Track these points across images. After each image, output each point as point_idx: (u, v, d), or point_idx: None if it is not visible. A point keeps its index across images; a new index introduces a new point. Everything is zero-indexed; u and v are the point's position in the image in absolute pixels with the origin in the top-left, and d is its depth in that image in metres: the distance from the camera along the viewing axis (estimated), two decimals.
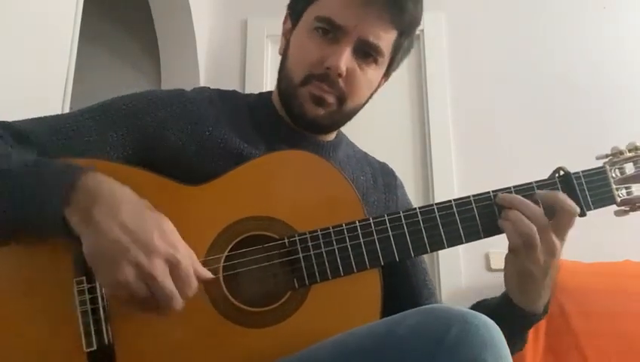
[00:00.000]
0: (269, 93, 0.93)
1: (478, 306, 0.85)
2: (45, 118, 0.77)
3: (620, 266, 1.79)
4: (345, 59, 0.78)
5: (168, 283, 0.59)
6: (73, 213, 0.61)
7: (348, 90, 0.81)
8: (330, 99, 0.81)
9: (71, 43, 1.21)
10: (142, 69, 2.54)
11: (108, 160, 0.75)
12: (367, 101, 0.89)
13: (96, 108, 0.80)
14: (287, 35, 0.88)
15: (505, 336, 0.58)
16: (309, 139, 0.88)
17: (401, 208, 0.95)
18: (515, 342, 0.79)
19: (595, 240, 1.74)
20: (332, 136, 0.93)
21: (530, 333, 1.61)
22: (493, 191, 0.78)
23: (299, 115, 0.83)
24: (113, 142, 0.77)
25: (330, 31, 0.79)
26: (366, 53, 0.81)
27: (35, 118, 0.77)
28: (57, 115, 0.80)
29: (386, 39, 0.81)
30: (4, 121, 0.74)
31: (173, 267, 0.60)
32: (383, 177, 0.97)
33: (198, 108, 0.83)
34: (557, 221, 0.73)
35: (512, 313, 0.77)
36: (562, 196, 0.74)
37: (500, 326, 0.58)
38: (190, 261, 0.62)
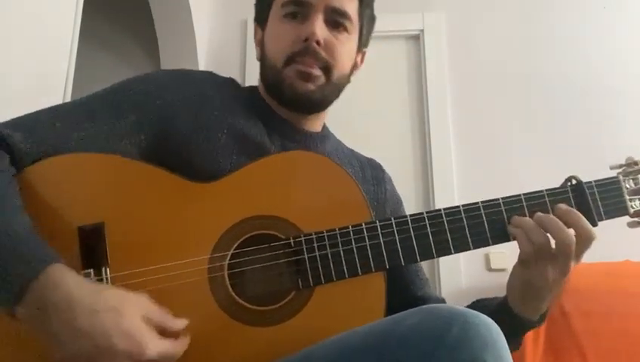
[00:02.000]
0: (256, 87, 0.95)
1: (476, 306, 0.85)
2: (53, 109, 0.76)
3: (620, 266, 1.79)
4: (319, 28, 0.82)
5: None
6: (26, 318, 0.58)
7: (330, 58, 0.84)
8: (317, 72, 0.83)
9: (71, 43, 1.21)
10: (142, 68, 2.54)
11: (120, 149, 0.75)
12: (350, 74, 0.91)
13: (106, 95, 0.79)
14: (260, 41, 0.91)
15: None
16: (298, 130, 0.89)
17: (390, 201, 0.96)
18: (509, 345, 0.79)
19: (595, 240, 1.74)
20: (319, 128, 0.94)
21: (530, 333, 1.62)
22: (502, 198, 0.77)
23: (291, 96, 0.84)
24: (125, 130, 0.76)
25: (299, 12, 0.83)
26: (336, 22, 0.85)
27: (45, 110, 0.76)
28: (66, 105, 0.79)
29: (350, 6, 0.85)
30: (16, 119, 0.73)
31: (144, 360, 0.57)
32: (371, 170, 0.98)
33: (205, 91, 0.83)
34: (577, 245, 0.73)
35: (507, 318, 0.77)
36: (583, 221, 0.73)
37: None
38: (157, 345, 0.59)
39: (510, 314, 0.77)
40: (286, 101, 0.86)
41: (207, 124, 0.80)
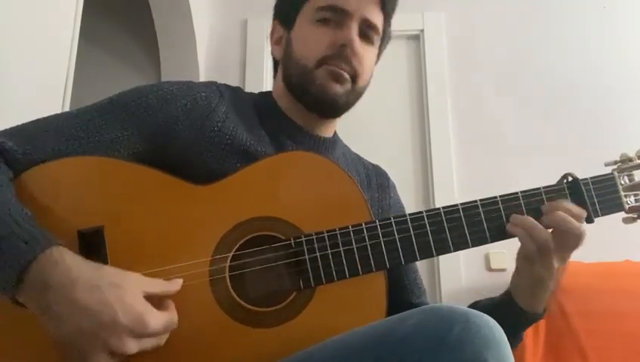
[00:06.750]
0: (269, 92, 0.95)
1: (475, 307, 0.85)
2: (50, 118, 0.76)
3: (620, 266, 1.79)
4: (356, 37, 0.84)
5: (147, 345, 0.59)
6: (28, 299, 0.58)
7: (359, 67, 0.85)
8: (347, 75, 0.84)
9: (71, 43, 1.21)
10: (142, 68, 2.54)
11: (118, 158, 0.74)
12: (368, 84, 0.92)
13: (104, 105, 0.78)
14: (280, 40, 0.92)
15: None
16: (310, 135, 0.90)
17: (394, 209, 0.97)
18: (512, 341, 0.79)
19: (595, 240, 1.73)
20: (331, 133, 0.94)
21: (530, 333, 1.63)
22: (500, 196, 0.77)
23: (319, 96, 0.85)
24: (123, 141, 0.76)
25: (334, 19, 0.84)
26: (366, 34, 0.86)
27: (41, 119, 0.75)
28: (63, 115, 0.78)
29: (379, 20, 0.88)
30: (12, 128, 0.73)
31: (147, 334, 0.58)
32: (377, 177, 0.99)
33: (208, 103, 0.82)
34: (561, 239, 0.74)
35: (513, 314, 0.78)
36: (569, 219, 0.74)
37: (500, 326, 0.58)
38: (158, 319, 0.60)
39: (517, 311, 0.78)
40: (312, 102, 0.86)
41: (209, 138, 0.79)
